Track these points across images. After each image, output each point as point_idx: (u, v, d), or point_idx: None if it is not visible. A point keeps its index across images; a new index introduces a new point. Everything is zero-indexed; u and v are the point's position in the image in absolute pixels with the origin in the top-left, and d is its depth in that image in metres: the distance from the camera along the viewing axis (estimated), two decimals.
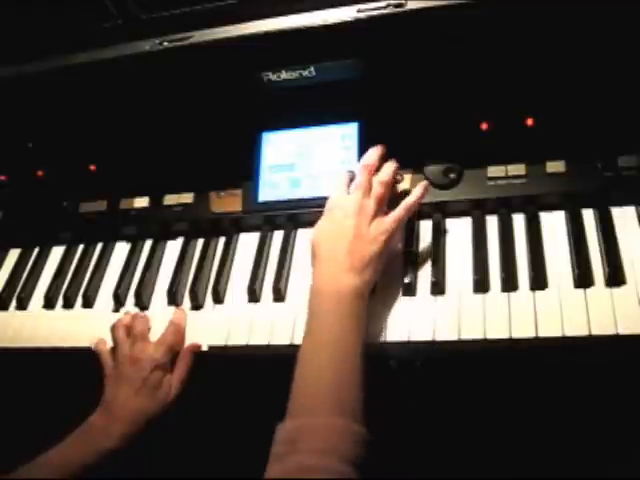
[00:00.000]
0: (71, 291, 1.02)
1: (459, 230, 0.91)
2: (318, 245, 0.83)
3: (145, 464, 0.95)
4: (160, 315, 0.94)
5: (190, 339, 0.91)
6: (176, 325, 0.91)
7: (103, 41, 0.98)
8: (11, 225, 1.13)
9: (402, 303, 0.85)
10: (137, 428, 0.83)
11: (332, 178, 0.91)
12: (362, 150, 0.97)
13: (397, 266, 0.88)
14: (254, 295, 0.92)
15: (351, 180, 0.88)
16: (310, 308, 0.78)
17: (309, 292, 0.79)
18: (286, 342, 0.85)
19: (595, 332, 0.74)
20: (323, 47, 0.92)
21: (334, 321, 0.75)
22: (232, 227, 1.01)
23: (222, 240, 1.01)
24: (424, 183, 0.88)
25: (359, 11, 0.88)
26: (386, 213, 0.85)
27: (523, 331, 0.77)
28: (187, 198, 1.03)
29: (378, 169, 0.88)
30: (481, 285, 0.83)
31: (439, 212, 0.92)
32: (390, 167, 0.88)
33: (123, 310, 0.98)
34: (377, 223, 0.82)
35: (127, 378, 0.86)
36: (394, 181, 0.89)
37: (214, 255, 1.00)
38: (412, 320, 0.83)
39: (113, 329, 0.92)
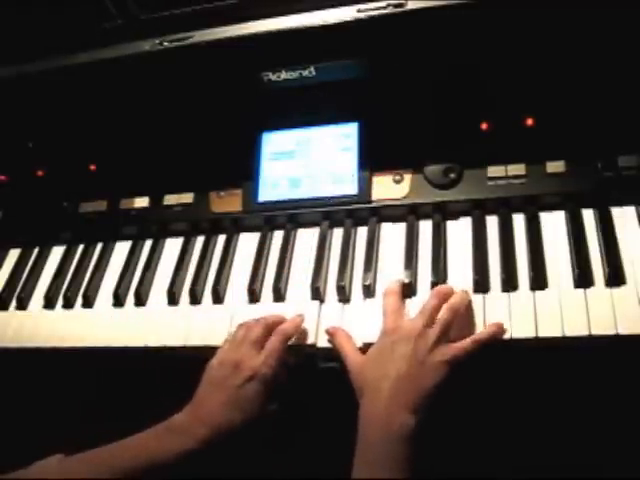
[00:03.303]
0: (71, 291, 1.02)
1: (459, 230, 0.91)
2: (364, 373, 0.75)
3: None
4: (160, 314, 0.94)
5: (188, 339, 0.90)
6: (283, 335, 0.82)
7: (103, 41, 0.98)
8: (11, 225, 1.13)
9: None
10: (221, 437, 0.76)
11: (383, 296, 0.83)
12: (362, 150, 0.97)
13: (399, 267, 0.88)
14: (254, 295, 0.92)
15: (403, 289, 0.83)
16: (358, 445, 0.71)
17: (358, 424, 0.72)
18: None
19: (595, 332, 0.74)
20: (323, 47, 0.92)
21: (383, 465, 0.68)
22: (232, 227, 1.01)
23: (222, 240, 1.01)
24: (500, 323, 0.77)
25: (359, 11, 0.88)
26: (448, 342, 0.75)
27: (523, 331, 0.77)
28: (187, 198, 1.03)
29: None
30: (481, 285, 0.83)
31: (439, 212, 0.92)
32: (464, 296, 0.80)
33: (123, 310, 0.98)
34: (440, 349, 0.73)
35: (222, 383, 0.78)
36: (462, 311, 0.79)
37: (214, 255, 1.00)
38: None
39: (237, 327, 0.85)
